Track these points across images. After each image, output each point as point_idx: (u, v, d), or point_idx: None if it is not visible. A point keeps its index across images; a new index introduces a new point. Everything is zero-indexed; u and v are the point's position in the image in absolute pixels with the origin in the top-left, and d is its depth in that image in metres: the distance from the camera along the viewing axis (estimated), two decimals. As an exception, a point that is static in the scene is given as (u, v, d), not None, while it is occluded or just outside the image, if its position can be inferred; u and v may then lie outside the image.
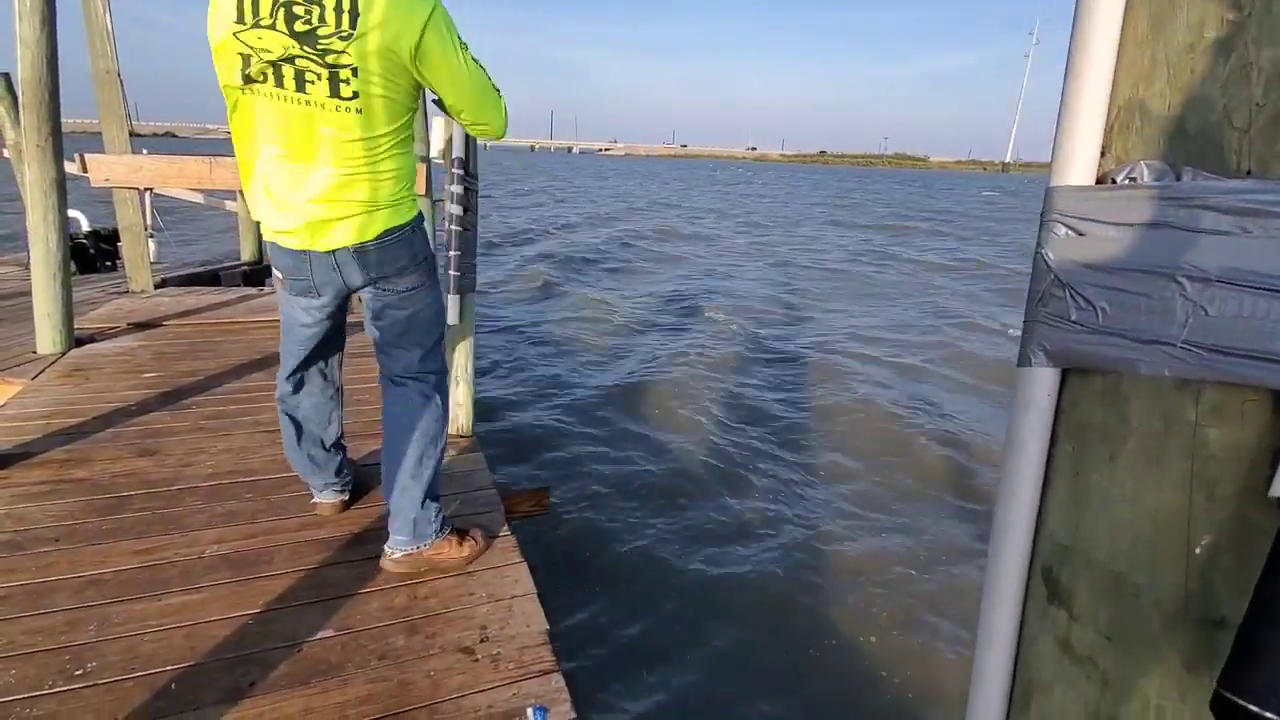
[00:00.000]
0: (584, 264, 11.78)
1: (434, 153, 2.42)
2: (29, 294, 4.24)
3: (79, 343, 3.40)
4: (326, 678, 1.40)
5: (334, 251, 1.56)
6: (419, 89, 1.54)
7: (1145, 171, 0.48)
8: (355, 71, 1.40)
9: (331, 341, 1.84)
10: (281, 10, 1.36)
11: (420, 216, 1.68)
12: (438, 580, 1.74)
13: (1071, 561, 0.55)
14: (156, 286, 4.68)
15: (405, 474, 1.71)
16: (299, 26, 1.37)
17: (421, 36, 1.41)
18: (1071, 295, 0.52)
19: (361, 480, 2.15)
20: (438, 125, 2.42)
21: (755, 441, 4.80)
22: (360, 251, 1.57)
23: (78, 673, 1.38)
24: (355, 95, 1.42)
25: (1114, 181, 0.51)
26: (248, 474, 2.21)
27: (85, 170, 4.20)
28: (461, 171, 2.34)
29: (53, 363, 3.15)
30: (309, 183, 1.49)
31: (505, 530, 2.00)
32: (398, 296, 1.66)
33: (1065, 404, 0.56)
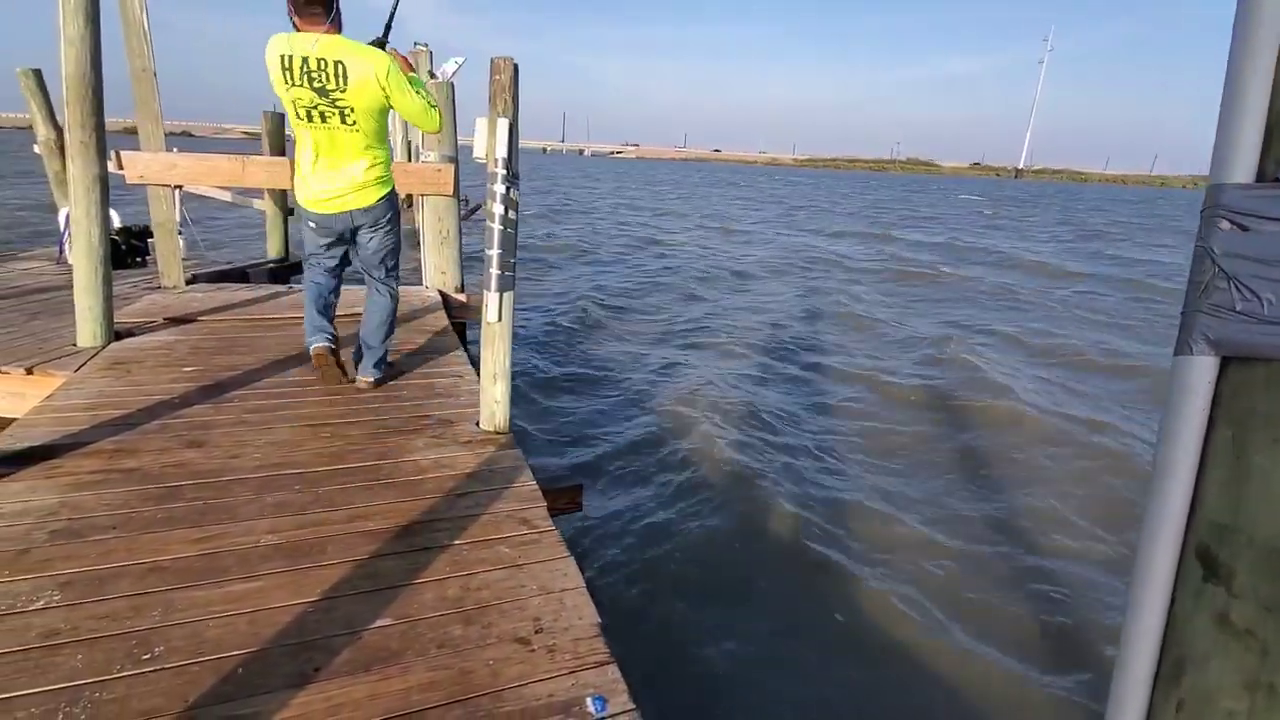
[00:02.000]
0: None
1: (478, 152, 2.45)
2: (63, 288, 4.33)
3: (117, 336, 3.45)
4: (388, 665, 1.42)
5: (351, 211, 2.74)
6: (387, 110, 2.66)
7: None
8: (351, 109, 2.54)
9: (341, 268, 3.00)
10: (305, 77, 2.46)
11: (394, 188, 2.86)
12: (488, 572, 1.76)
13: (1231, 541, 0.57)
14: (188, 282, 4.74)
15: (372, 335, 2.99)
16: (316, 85, 2.47)
17: (383, 86, 2.53)
18: (1236, 287, 0.54)
19: (383, 483, 2.17)
20: (481, 126, 2.45)
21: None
22: (366, 210, 2.76)
23: (145, 657, 1.41)
24: (355, 123, 2.58)
25: (1277, 180, 0.53)
26: (294, 466, 2.24)
27: (121, 167, 4.27)
28: (505, 172, 2.37)
29: (93, 356, 3.20)
30: (341, 174, 2.66)
31: (549, 524, 2.02)
32: (379, 235, 2.86)
33: (1225, 391, 0.58)
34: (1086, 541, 3.73)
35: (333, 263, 2.94)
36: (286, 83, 2.46)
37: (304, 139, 2.61)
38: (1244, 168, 0.54)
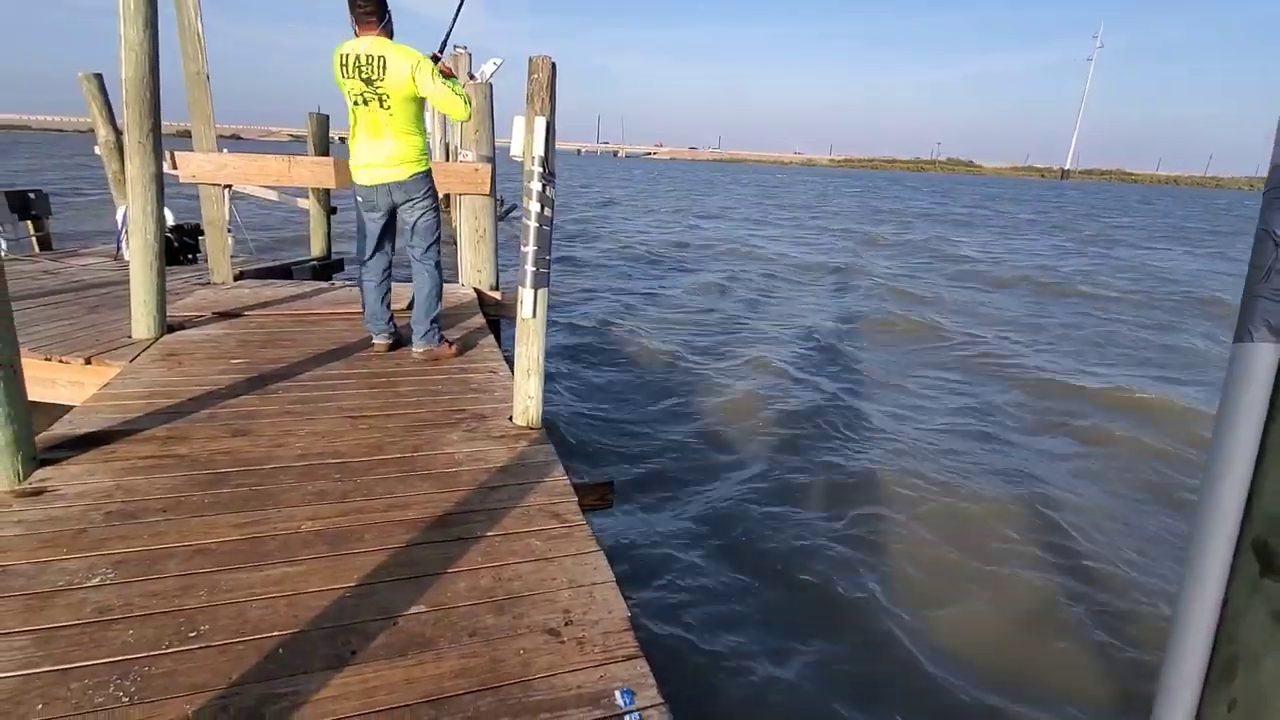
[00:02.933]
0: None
1: (515, 151, 2.48)
2: (120, 283, 4.52)
3: (170, 329, 3.59)
4: (422, 650, 1.45)
5: (388, 185, 3.21)
6: (419, 100, 3.12)
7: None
8: (388, 96, 3.03)
9: (385, 238, 3.40)
10: (357, 70, 2.99)
11: (430, 172, 3.30)
12: (520, 564, 1.78)
13: None
14: (235, 279, 4.90)
15: (421, 310, 3.39)
16: (363, 75, 3.00)
17: (413, 76, 2.99)
18: None
19: (419, 474, 2.21)
20: (518, 125, 2.48)
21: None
22: (400, 185, 3.21)
23: (191, 634, 1.46)
24: (390, 108, 3.06)
25: None
26: (335, 456, 2.30)
27: (175, 167, 4.44)
28: (542, 170, 2.39)
29: (147, 347, 3.33)
30: (378, 148, 3.16)
31: (580, 518, 2.03)
32: (418, 212, 3.29)
33: None
34: None
35: (378, 230, 3.34)
36: (344, 75, 3.03)
37: (354, 121, 3.15)
38: None
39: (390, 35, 3.08)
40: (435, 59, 3.18)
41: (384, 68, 2.96)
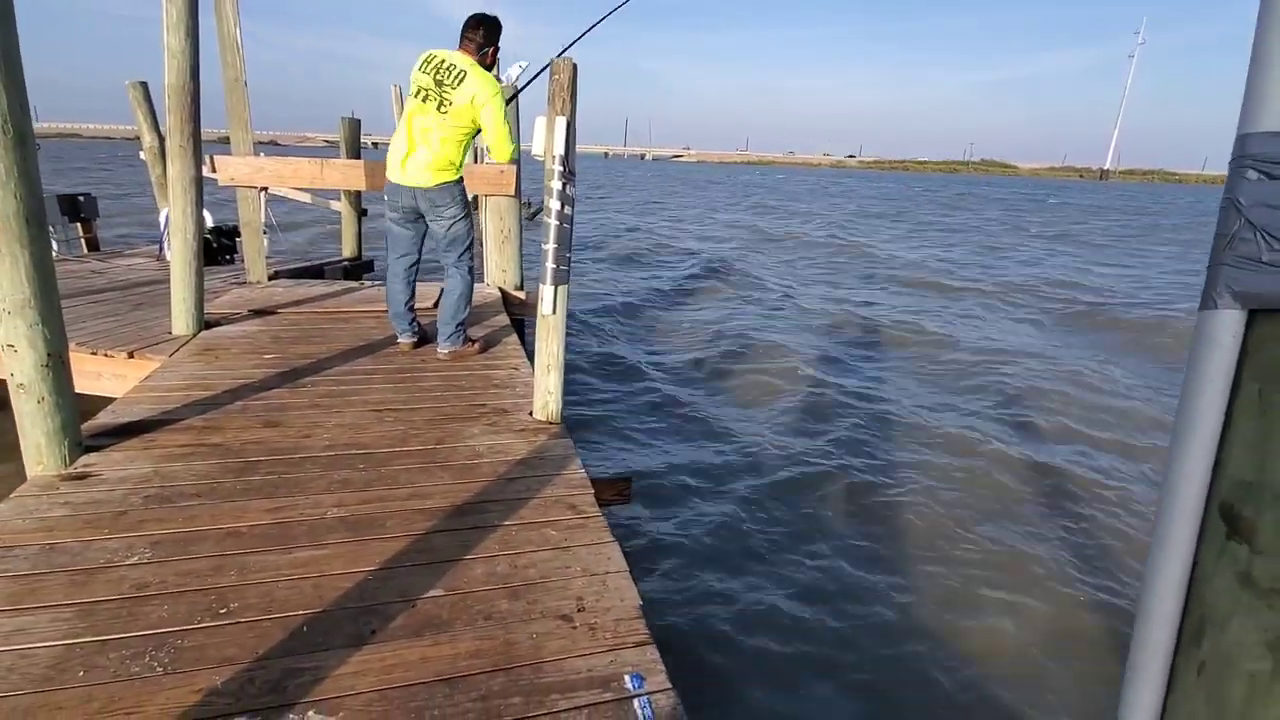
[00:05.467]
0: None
1: (536, 151, 2.54)
2: (161, 282, 4.70)
3: (207, 326, 3.73)
4: (439, 632, 1.50)
5: (413, 189, 3.22)
6: (474, 124, 3.17)
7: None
8: (450, 103, 3.08)
9: (413, 242, 3.42)
10: (434, 70, 3.10)
11: (460, 180, 3.30)
12: (535, 552, 1.82)
13: (1256, 498, 0.56)
14: (270, 278, 5.06)
15: (449, 313, 3.44)
16: (436, 77, 3.10)
17: (481, 98, 3.07)
18: (1263, 237, 0.53)
19: (440, 465, 2.27)
20: (539, 125, 2.54)
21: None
22: (425, 192, 3.22)
23: (222, 611, 1.53)
24: (445, 114, 3.10)
25: None
26: (360, 447, 2.38)
27: (214, 170, 4.61)
28: (563, 169, 2.44)
29: (186, 343, 3.47)
30: (416, 150, 3.17)
31: (595, 510, 2.07)
32: (444, 222, 3.30)
33: (1251, 345, 0.57)
34: None
35: (406, 233, 3.37)
36: (421, 70, 3.12)
37: (407, 116, 3.19)
38: (1273, 115, 0.52)
39: (482, 64, 3.16)
40: (515, 94, 3.46)
41: (460, 80, 3.05)
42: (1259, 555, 0.55)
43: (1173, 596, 0.57)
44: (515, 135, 5.02)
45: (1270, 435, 0.55)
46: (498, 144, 3.20)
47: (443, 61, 3.08)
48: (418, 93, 3.10)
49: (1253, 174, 0.53)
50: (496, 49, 3.23)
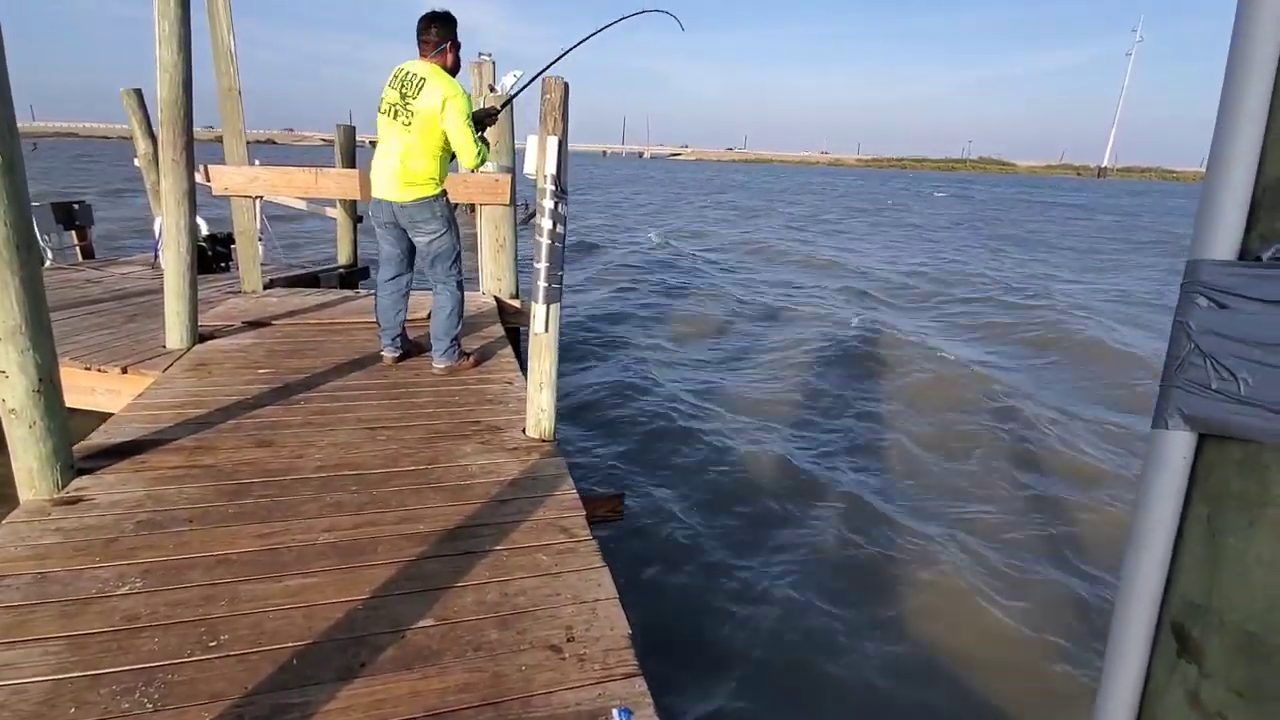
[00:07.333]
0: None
1: (528, 169, 2.54)
2: (156, 292, 4.69)
3: (201, 339, 3.73)
4: (428, 664, 1.50)
5: (391, 204, 3.22)
6: (440, 130, 3.10)
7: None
8: (413, 114, 3.07)
9: (401, 257, 3.42)
10: (400, 83, 3.09)
11: (443, 194, 3.29)
12: (526, 579, 1.83)
13: (1204, 620, 0.56)
14: (265, 287, 5.05)
15: (440, 329, 3.42)
16: (402, 91, 3.09)
17: (443, 105, 3.03)
18: (1213, 365, 0.54)
19: (433, 486, 2.27)
20: (531, 144, 2.53)
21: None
22: (402, 206, 3.22)
23: (212, 644, 1.54)
24: (410, 125, 3.09)
25: (1259, 259, 0.52)
26: (351, 468, 2.38)
27: (209, 180, 4.60)
28: (555, 188, 2.44)
29: (179, 357, 3.47)
30: (387, 161, 3.17)
31: (587, 534, 2.07)
32: (425, 238, 3.29)
33: (1201, 469, 0.57)
34: None
35: (395, 251, 3.39)
36: (390, 85, 3.14)
37: (379, 130, 3.22)
38: (1225, 244, 0.53)
39: (446, 67, 3.13)
40: (492, 113, 3.40)
41: (420, 88, 3.02)
42: (1206, 679, 0.55)
43: (1126, 706, 0.58)
44: (510, 142, 5.03)
45: (1218, 561, 0.55)
46: (460, 146, 3.12)
47: (408, 74, 3.07)
48: (387, 109, 3.11)
49: (1203, 301, 0.54)
50: (457, 44, 3.18)
